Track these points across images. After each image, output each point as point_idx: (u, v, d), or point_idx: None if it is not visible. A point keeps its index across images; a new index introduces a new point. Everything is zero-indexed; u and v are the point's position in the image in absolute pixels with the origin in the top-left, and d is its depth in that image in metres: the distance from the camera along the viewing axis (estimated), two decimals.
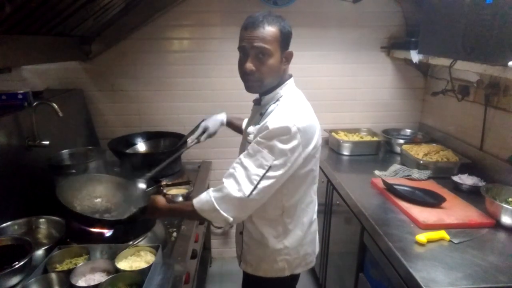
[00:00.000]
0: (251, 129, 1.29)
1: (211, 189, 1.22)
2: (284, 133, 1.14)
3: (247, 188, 1.15)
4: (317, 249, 1.46)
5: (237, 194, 1.15)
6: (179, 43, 2.50)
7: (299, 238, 1.34)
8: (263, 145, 1.16)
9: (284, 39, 1.26)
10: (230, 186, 1.17)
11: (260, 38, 1.20)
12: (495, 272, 1.22)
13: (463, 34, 1.68)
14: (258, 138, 1.17)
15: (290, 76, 1.35)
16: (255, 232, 1.35)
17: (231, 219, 1.18)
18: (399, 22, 2.54)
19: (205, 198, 1.20)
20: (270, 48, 1.21)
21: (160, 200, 1.33)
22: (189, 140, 1.72)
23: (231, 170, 1.20)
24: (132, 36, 2.43)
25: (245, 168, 1.17)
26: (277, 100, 1.28)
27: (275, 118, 1.18)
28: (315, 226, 1.43)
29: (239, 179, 1.16)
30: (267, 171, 1.15)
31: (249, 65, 1.22)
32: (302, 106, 1.27)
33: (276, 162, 1.15)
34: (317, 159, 1.33)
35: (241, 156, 1.20)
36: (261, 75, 1.24)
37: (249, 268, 1.40)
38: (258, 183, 1.15)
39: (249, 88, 1.28)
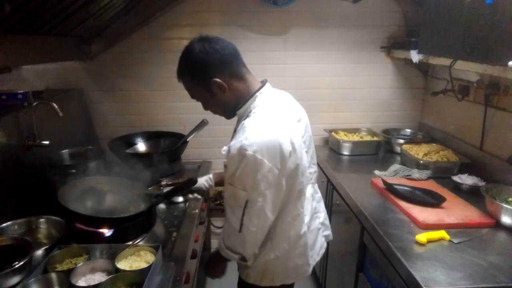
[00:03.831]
0: (224, 148, 1.20)
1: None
2: (248, 165, 1.09)
3: (236, 224, 1.18)
4: (311, 260, 1.38)
5: (230, 231, 1.21)
6: (179, 43, 2.50)
7: (286, 251, 1.30)
8: (234, 183, 1.14)
9: (196, 77, 1.20)
10: (224, 225, 1.25)
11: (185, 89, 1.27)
12: (495, 272, 1.22)
13: (463, 34, 1.68)
14: (227, 177, 1.16)
15: (262, 85, 1.26)
16: None
17: (237, 256, 1.26)
18: (399, 22, 2.54)
19: (219, 244, 1.30)
20: (195, 95, 1.26)
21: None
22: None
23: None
24: (132, 36, 2.43)
25: (229, 205, 1.19)
26: (247, 116, 1.21)
27: (235, 148, 1.11)
28: (304, 239, 1.34)
29: (229, 216, 1.20)
30: (245, 206, 1.14)
31: (203, 108, 1.31)
32: (268, 123, 1.16)
33: (251, 196, 1.13)
34: (301, 172, 1.25)
35: (225, 193, 1.21)
36: (214, 111, 1.31)
37: (242, 274, 1.40)
38: (242, 218, 1.16)
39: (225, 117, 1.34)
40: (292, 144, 1.16)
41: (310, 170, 1.40)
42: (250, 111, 1.21)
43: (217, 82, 1.17)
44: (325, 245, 1.50)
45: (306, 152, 1.34)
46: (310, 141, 1.40)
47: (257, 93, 1.23)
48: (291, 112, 1.31)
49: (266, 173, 1.10)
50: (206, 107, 1.30)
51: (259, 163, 1.09)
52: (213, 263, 1.43)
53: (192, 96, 1.27)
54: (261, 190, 1.12)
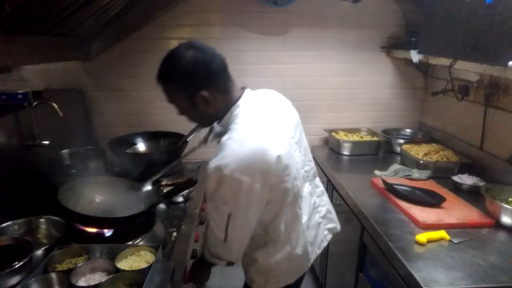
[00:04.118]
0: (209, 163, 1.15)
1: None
2: (227, 184, 1.08)
3: (220, 235, 1.18)
4: (311, 255, 1.38)
5: (216, 242, 1.22)
6: (179, 43, 2.50)
7: (288, 253, 1.29)
8: (215, 199, 1.14)
9: (182, 86, 1.15)
10: (208, 235, 1.25)
11: (163, 91, 1.21)
12: (495, 272, 1.22)
13: (463, 34, 1.68)
14: (208, 192, 1.15)
15: (240, 95, 1.22)
16: (247, 248, 1.33)
17: (223, 262, 1.27)
18: (399, 22, 2.54)
19: (205, 253, 1.32)
20: (174, 101, 1.21)
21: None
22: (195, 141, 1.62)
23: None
24: (132, 36, 2.43)
25: (212, 219, 1.19)
26: (226, 131, 1.17)
27: (213, 167, 1.09)
28: (304, 238, 1.32)
29: (213, 228, 1.20)
30: (229, 219, 1.14)
31: (178, 113, 1.25)
32: (246, 138, 1.11)
33: (233, 210, 1.12)
34: (294, 176, 1.21)
35: (206, 205, 1.21)
36: (190, 119, 1.27)
37: (247, 278, 1.40)
38: (227, 229, 1.16)
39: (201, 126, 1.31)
40: (278, 153, 1.11)
41: (306, 168, 1.37)
42: (229, 126, 1.19)
43: (203, 95, 1.14)
44: (328, 237, 1.47)
45: (299, 151, 1.32)
46: (301, 139, 1.37)
47: (233, 107, 1.19)
48: (277, 114, 1.26)
49: (246, 189, 1.09)
50: (182, 113, 1.25)
51: (237, 182, 1.07)
52: (198, 270, 1.43)
53: (170, 101, 1.22)
54: (243, 204, 1.12)
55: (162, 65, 1.18)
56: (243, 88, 1.26)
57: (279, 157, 1.11)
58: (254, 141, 1.11)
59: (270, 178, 1.12)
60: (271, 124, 1.20)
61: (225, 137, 1.14)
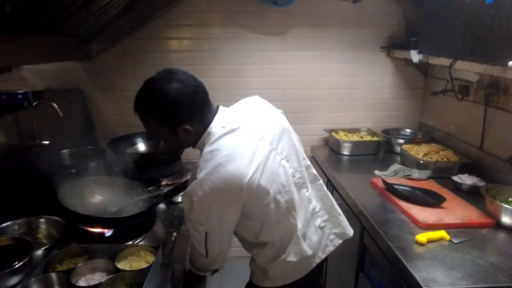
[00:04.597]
0: None
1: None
2: (198, 208, 1.11)
3: (202, 251, 1.22)
4: (316, 259, 1.36)
5: (199, 256, 1.26)
6: (179, 43, 2.50)
7: (283, 260, 1.28)
8: (191, 220, 1.16)
9: (164, 119, 1.14)
10: (192, 251, 1.31)
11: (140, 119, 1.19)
12: (495, 272, 1.22)
13: (463, 34, 1.68)
14: (185, 214, 1.19)
15: (212, 119, 1.19)
16: (246, 247, 1.38)
17: (209, 272, 1.34)
18: (399, 22, 2.54)
19: (191, 268, 1.36)
20: (153, 131, 1.20)
21: None
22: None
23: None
24: (132, 36, 2.43)
25: (193, 236, 1.22)
26: (201, 154, 1.17)
27: (184, 193, 1.13)
28: (299, 245, 1.31)
29: (194, 244, 1.24)
30: (207, 237, 1.17)
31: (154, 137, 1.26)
32: (213, 164, 1.09)
33: (209, 229, 1.16)
34: (277, 190, 1.19)
35: (187, 225, 1.24)
36: (168, 146, 1.32)
37: (250, 271, 1.41)
38: (206, 246, 1.20)
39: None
40: (247, 176, 1.10)
41: (298, 175, 1.32)
42: (201, 151, 1.19)
43: (187, 129, 1.15)
44: (336, 242, 1.44)
45: (287, 160, 1.27)
46: (290, 147, 1.31)
47: (205, 133, 1.18)
48: (252, 130, 1.21)
49: (217, 211, 1.11)
50: (157, 139, 1.25)
51: (207, 206, 1.10)
52: (192, 281, 1.43)
53: (148, 130, 1.21)
54: (217, 224, 1.15)
55: (141, 96, 1.17)
56: (217, 107, 1.25)
57: (249, 181, 1.10)
58: (221, 169, 1.09)
59: (241, 199, 1.13)
60: (242, 145, 1.15)
61: (196, 164, 1.16)
